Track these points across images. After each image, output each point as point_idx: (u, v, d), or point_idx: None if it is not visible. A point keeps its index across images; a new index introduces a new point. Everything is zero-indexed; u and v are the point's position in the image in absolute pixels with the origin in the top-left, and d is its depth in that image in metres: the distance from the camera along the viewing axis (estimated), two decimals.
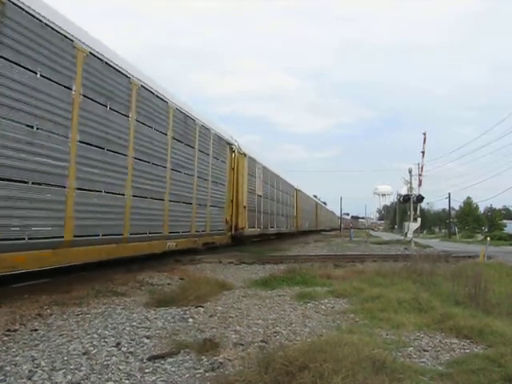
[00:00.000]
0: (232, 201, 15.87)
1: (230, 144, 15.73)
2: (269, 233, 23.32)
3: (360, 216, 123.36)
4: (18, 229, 5.84)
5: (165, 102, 10.39)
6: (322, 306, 6.44)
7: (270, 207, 22.74)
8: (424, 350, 4.40)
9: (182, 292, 6.71)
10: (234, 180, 16.07)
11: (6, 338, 4.45)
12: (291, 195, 30.82)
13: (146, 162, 9.40)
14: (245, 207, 17.19)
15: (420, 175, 37.04)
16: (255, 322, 5.29)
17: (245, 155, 17.31)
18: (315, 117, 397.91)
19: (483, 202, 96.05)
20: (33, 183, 6.07)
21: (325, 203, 68.71)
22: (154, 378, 3.51)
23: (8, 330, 4.73)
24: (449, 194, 58.19)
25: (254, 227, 19.16)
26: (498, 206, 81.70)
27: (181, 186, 11.31)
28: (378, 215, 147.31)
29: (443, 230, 77.61)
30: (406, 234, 32.75)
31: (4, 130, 5.61)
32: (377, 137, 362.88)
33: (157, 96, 9.93)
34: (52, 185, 6.50)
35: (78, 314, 5.56)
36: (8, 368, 3.61)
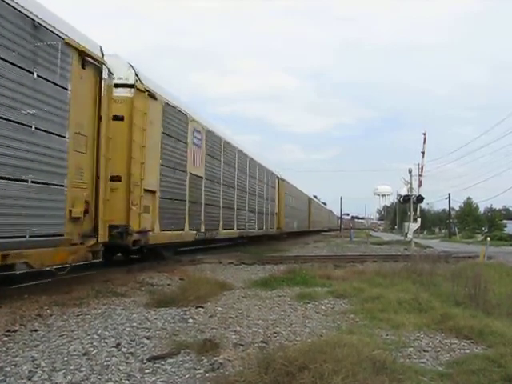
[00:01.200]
0: (99, 176, 7.69)
1: (89, 57, 7.44)
2: (220, 237, 15.39)
3: (360, 216, 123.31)
4: None
5: None
6: (322, 307, 6.44)
7: (224, 198, 15.07)
8: (424, 351, 4.40)
9: (181, 292, 6.71)
10: (103, 134, 7.80)
11: (6, 339, 4.45)
12: (271, 185, 23.46)
13: None
14: (151, 192, 9.74)
15: (420, 175, 37.09)
16: (255, 323, 5.29)
17: (153, 97, 9.71)
18: (315, 117, 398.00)
19: (483, 202, 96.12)
20: None
21: (325, 203, 68.58)
22: (154, 378, 3.51)
23: (8, 331, 4.73)
24: (449, 194, 58.21)
25: (179, 229, 11.21)
26: (497, 206, 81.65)
27: None
28: (377, 215, 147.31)
29: (443, 231, 77.58)
30: (406, 234, 32.74)
31: None
32: (377, 137, 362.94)
33: None
34: None
35: (78, 315, 5.56)
36: (8, 368, 3.61)
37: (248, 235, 19.24)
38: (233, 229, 16.67)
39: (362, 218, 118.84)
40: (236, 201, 16.98)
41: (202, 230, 12.98)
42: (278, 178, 25.72)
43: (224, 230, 15.36)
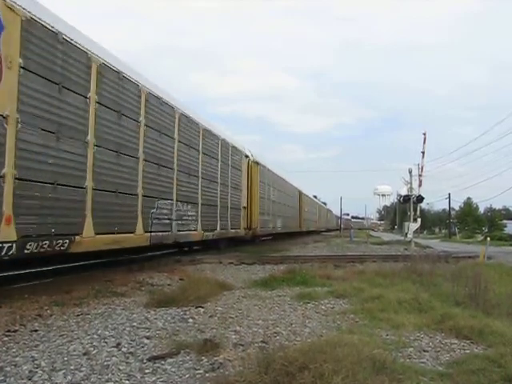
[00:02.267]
0: None
1: None
2: (86, 249, 7.57)
3: (360, 216, 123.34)
4: None
5: None
6: (322, 307, 6.44)
7: (100, 172, 7.89)
8: (424, 351, 4.40)
9: (182, 292, 6.71)
10: None
11: (6, 339, 4.45)
12: (232, 166, 16.30)
13: None
14: None
15: (420, 175, 37.14)
16: (255, 323, 5.29)
17: None
18: (315, 117, 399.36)
19: (483, 202, 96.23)
20: None
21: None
22: (154, 378, 3.51)
23: (8, 331, 4.73)
24: (449, 194, 58.21)
25: None
26: (498, 206, 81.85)
27: None
28: (377, 215, 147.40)
29: (443, 231, 77.60)
30: (406, 234, 32.73)
31: None
32: (377, 137, 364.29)
33: None
34: None
35: (78, 315, 5.56)
36: (8, 368, 3.61)
37: (180, 241, 11.67)
38: (132, 232, 8.91)
39: (362, 218, 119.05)
40: (143, 181, 9.32)
41: (11, 238, 5.87)
42: (248, 158, 17.87)
43: (101, 234, 7.83)
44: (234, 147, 16.74)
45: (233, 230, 16.35)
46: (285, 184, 28.04)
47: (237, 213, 17.02)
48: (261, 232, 20.51)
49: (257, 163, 19.76)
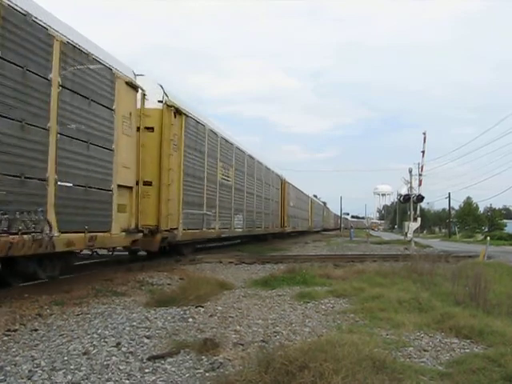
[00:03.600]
0: None
1: None
2: None
3: (360, 216, 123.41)
4: None
5: None
6: (322, 306, 6.44)
7: None
8: (424, 350, 4.40)
9: (181, 292, 6.71)
10: None
11: (6, 338, 4.45)
12: (86, 96, 7.13)
13: None
14: None
15: (420, 175, 36.99)
16: (255, 322, 5.29)
17: None
18: (315, 117, 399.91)
19: (483, 201, 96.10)
20: None
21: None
22: (153, 377, 3.50)
23: (8, 330, 4.73)
24: (449, 193, 58.29)
25: None
26: (498, 205, 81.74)
27: None
28: (378, 215, 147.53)
29: (443, 230, 77.61)
30: (406, 233, 32.74)
31: None
32: (377, 137, 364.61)
33: None
34: None
35: (77, 314, 5.56)
36: (8, 368, 3.61)
37: None
38: None
39: (362, 218, 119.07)
40: None
41: None
42: (139, 89, 9.26)
43: None
44: (70, 45, 6.94)
45: (76, 235, 7.10)
46: (253, 163, 18.94)
47: (99, 197, 7.80)
48: (186, 237, 11.98)
49: (178, 111, 11.00)
